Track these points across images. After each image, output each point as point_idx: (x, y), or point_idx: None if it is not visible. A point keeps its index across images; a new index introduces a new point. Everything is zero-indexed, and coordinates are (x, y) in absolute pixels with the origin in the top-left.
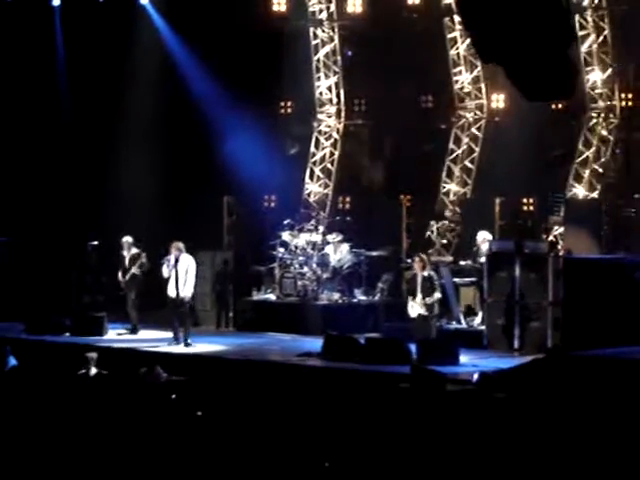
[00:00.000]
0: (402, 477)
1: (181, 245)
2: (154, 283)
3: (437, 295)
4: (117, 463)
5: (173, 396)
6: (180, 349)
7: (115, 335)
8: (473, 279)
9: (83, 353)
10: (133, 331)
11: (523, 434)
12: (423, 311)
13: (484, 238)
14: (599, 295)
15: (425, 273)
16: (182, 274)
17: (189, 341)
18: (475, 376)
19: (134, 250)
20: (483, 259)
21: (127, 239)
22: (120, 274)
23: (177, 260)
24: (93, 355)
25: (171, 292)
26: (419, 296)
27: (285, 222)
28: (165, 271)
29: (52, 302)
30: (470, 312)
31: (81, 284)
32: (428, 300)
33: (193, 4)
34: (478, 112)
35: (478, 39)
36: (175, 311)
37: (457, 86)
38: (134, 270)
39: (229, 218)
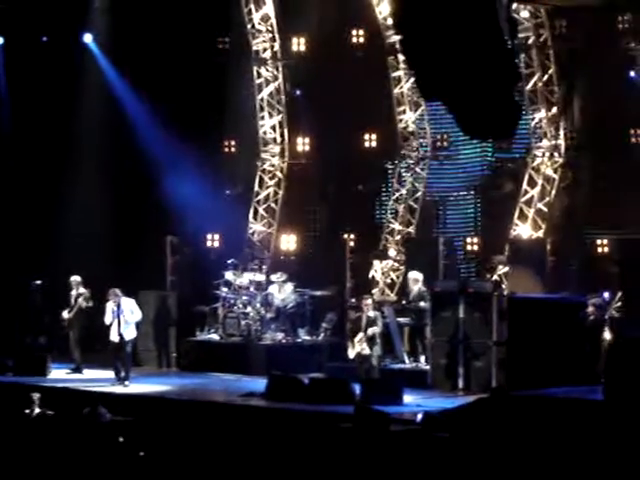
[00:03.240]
0: None
1: (118, 291)
2: (97, 323)
3: (376, 329)
4: None
5: (120, 439)
6: (123, 389)
7: (59, 375)
8: (406, 319)
9: (26, 393)
10: (77, 371)
11: (466, 474)
12: (365, 348)
13: (414, 279)
14: (543, 335)
15: (370, 314)
16: (124, 318)
17: (127, 382)
18: (419, 416)
19: (82, 289)
20: (421, 301)
21: (75, 278)
22: (66, 312)
23: (119, 305)
24: (36, 395)
25: (113, 337)
26: (360, 335)
27: (229, 261)
28: (108, 317)
29: None
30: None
31: (24, 324)
32: (369, 332)
33: (137, 42)
34: (421, 151)
35: (421, 76)
36: (117, 353)
37: (401, 125)
38: (79, 304)
39: (172, 258)
